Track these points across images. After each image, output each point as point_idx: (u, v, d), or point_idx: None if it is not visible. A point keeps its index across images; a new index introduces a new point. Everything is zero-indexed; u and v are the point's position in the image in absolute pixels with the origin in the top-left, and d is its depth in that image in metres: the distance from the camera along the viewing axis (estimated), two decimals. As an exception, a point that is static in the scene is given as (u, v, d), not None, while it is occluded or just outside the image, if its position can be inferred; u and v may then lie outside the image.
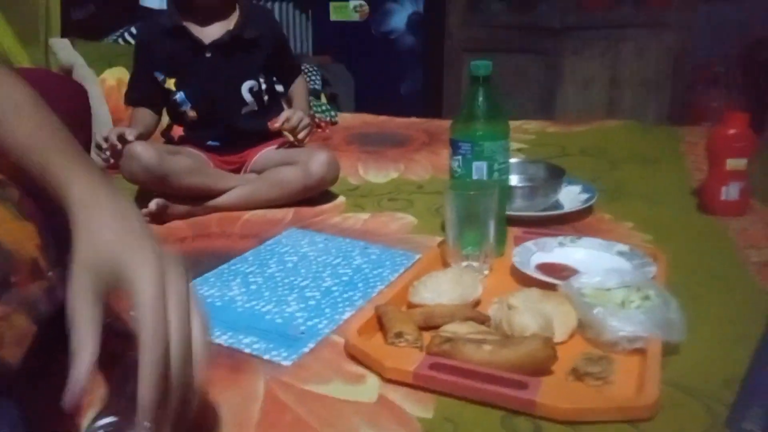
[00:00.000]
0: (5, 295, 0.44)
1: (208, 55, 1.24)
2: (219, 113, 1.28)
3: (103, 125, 1.47)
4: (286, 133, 1.24)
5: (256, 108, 1.30)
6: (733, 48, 2.71)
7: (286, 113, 1.24)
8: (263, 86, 1.31)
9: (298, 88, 1.39)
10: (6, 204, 0.54)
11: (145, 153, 1.13)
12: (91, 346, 0.42)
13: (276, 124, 1.23)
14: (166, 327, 0.42)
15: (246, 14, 1.27)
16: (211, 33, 1.25)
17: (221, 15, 1.26)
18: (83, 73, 1.51)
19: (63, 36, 1.68)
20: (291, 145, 1.27)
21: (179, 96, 1.27)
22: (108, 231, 0.46)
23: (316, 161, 1.20)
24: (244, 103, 1.29)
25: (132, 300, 0.42)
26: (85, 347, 0.42)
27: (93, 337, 0.43)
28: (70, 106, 1.47)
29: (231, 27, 1.25)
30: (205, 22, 1.26)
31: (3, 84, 0.55)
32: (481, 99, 0.90)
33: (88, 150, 1.46)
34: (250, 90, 1.29)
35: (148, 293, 0.42)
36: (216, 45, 1.24)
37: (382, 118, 2.02)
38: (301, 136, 1.24)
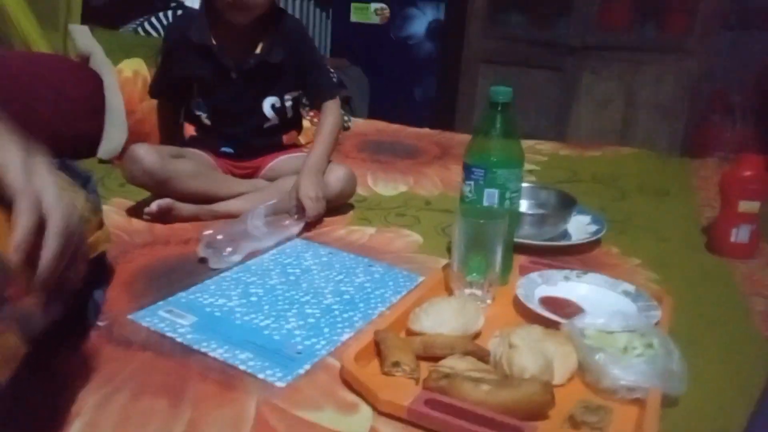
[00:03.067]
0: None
1: (233, 76, 1.23)
2: (237, 128, 1.27)
3: (116, 115, 1.46)
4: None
5: (277, 122, 1.29)
6: (753, 77, 2.69)
7: (306, 204, 1.13)
8: (287, 103, 1.29)
9: (324, 127, 1.26)
10: (4, 213, 0.53)
11: (147, 156, 1.11)
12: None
13: (293, 217, 1.12)
14: (34, 191, 0.47)
15: (276, 36, 1.23)
16: (237, 55, 1.22)
17: (251, 35, 1.22)
18: (100, 62, 1.50)
19: (82, 23, 1.67)
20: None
21: (197, 102, 1.26)
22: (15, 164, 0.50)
23: (334, 176, 1.19)
24: (265, 119, 1.27)
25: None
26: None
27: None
28: (84, 93, 1.47)
29: (259, 50, 1.22)
30: (234, 41, 1.22)
31: None
32: (498, 125, 0.89)
33: (98, 142, 1.46)
34: (272, 106, 1.27)
35: (15, 171, 0.48)
36: (241, 69, 1.22)
37: (395, 126, 2.01)
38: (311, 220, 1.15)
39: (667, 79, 2.65)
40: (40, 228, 0.48)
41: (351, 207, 1.26)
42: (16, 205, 0.46)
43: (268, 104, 1.26)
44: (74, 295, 0.60)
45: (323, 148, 1.23)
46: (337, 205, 1.22)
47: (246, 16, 1.18)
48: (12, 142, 0.52)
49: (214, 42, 1.22)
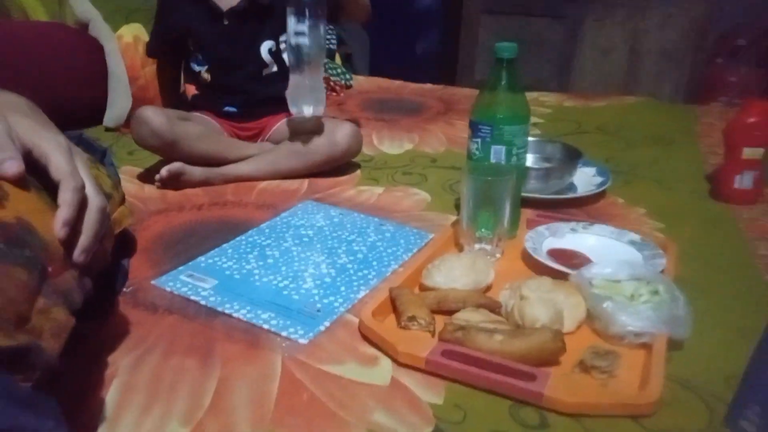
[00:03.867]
0: (45, 287, 0.45)
1: (225, 22, 1.23)
2: (237, 78, 1.28)
3: (119, 82, 1.46)
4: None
5: (275, 69, 1.29)
6: (759, 21, 2.65)
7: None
8: (282, 45, 1.29)
9: None
10: (41, 194, 0.55)
11: (155, 117, 1.13)
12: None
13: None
14: (80, 176, 0.52)
15: None
16: (228, 1, 1.24)
17: None
18: (100, 29, 1.50)
19: (78, -12, 1.65)
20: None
21: (195, 57, 1.27)
22: (20, 127, 0.53)
23: (341, 131, 1.20)
24: (264, 64, 1.28)
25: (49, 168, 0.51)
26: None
27: None
28: (85, 61, 1.47)
29: None
30: None
31: None
32: (503, 82, 0.89)
33: (102, 110, 1.47)
34: (269, 51, 1.28)
35: (61, 158, 0.51)
36: (233, 12, 1.23)
37: (397, 83, 2.00)
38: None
39: (671, 25, 2.61)
40: (81, 207, 0.51)
41: (358, 166, 1.27)
42: (64, 185, 0.50)
43: (264, 49, 1.28)
44: (103, 269, 0.63)
45: None
46: (345, 162, 1.24)
47: None
48: (50, 130, 0.55)
49: None
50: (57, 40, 1.45)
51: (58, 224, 0.49)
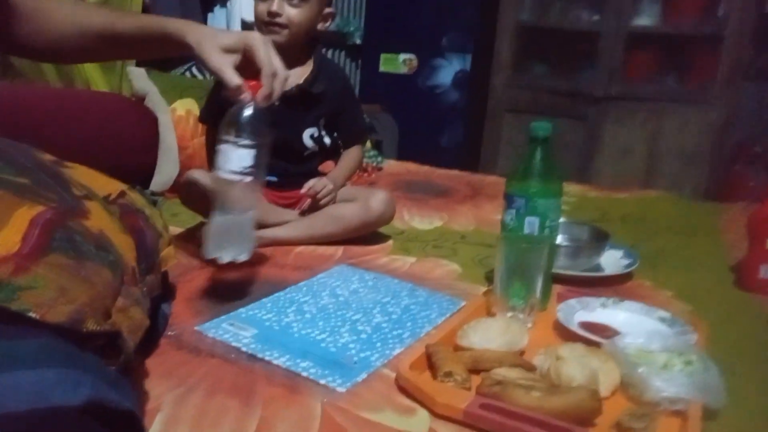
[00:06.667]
0: (123, 289, 0.49)
1: (276, 103, 1.32)
2: (279, 156, 1.35)
3: (169, 151, 1.56)
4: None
5: (317, 150, 1.37)
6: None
7: (312, 181, 1.28)
8: (323, 131, 1.37)
9: (347, 157, 1.38)
10: (113, 218, 0.61)
11: (202, 179, 1.20)
12: (238, 81, 0.85)
13: (302, 189, 1.27)
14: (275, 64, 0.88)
15: (318, 69, 1.32)
16: None
17: (292, 64, 1.31)
18: (155, 101, 1.61)
19: (137, 66, 1.80)
20: (310, 208, 1.30)
21: None
22: (225, 33, 0.88)
23: (375, 198, 1.26)
24: (305, 148, 1.36)
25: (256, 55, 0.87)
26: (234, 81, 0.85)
27: (238, 80, 0.85)
28: (140, 129, 1.57)
29: (301, 81, 1.31)
30: None
31: (90, 7, 0.92)
32: (538, 158, 0.95)
33: (152, 175, 1.55)
34: (311, 136, 1.36)
35: (264, 49, 0.87)
36: (285, 97, 1.31)
37: (426, 168, 2.09)
38: (322, 203, 1.27)
39: (689, 129, 2.71)
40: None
41: (389, 238, 1.32)
42: (265, 70, 0.86)
43: (307, 135, 1.35)
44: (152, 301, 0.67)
45: (344, 170, 1.36)
46: (378, 229, 1.29)
47: (282, 36, 1.26)
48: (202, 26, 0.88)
49: None
50: (118, 108, 1.56)
51: (259, 96, 0.87)
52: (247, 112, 0.88)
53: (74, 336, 0.41)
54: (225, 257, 0.93)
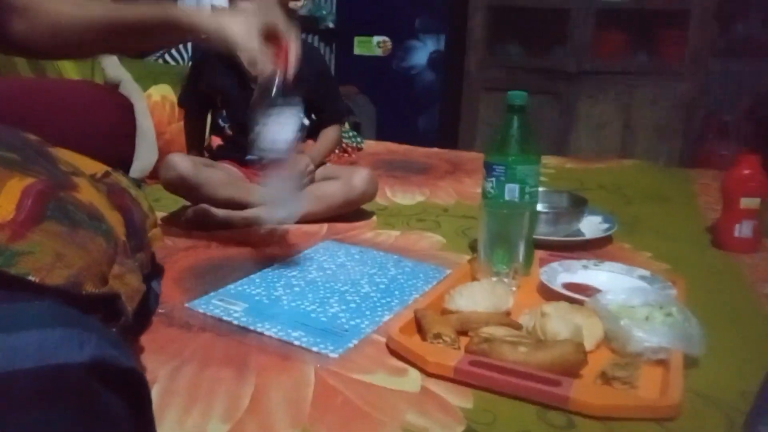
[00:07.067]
0: (118, 257, 0.50)
1: (253, 86, 1.32)
2: None
3: (147, 138, 1.55)
4: None
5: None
6: (743, 100, 2.81)
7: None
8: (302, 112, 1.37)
9: (326, 136, 1.39)
10: (101, 195, 0.61)
11: (181, 163, 1.20)
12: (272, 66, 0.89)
13: None
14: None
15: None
16: None
17: None
18: (130, 89, 1.59)
19: (111, 53, 1.78)
20: None
21: (221, 114, 1.35)
22: (242, 15, 0.90)
23: (358, 176, 1.27)
24: None
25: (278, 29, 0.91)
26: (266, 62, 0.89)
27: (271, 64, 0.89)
28: (117, 117, 1.55)
29: None
30: None
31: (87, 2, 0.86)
32: (515, 126, 0.97)
33: (130, 164, 1.54)
34: None
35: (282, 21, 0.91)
36: None
37: (405, 146, 2.10)
38: (303, 181, 1.26)
39: (661, 102, 2.76)
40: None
41: (373, 214, 1.33)
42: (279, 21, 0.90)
43: None
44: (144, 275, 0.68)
45: (322, 149, 1.38)
46: (361, 206, 1.30)
47: None
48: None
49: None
50: (90, 96, 1.54)
51: (290, 69, 0.93)
52: (279, 83, 0.93)
53: (73, 300, 0.41)
54: (286, 217, 1.10)
